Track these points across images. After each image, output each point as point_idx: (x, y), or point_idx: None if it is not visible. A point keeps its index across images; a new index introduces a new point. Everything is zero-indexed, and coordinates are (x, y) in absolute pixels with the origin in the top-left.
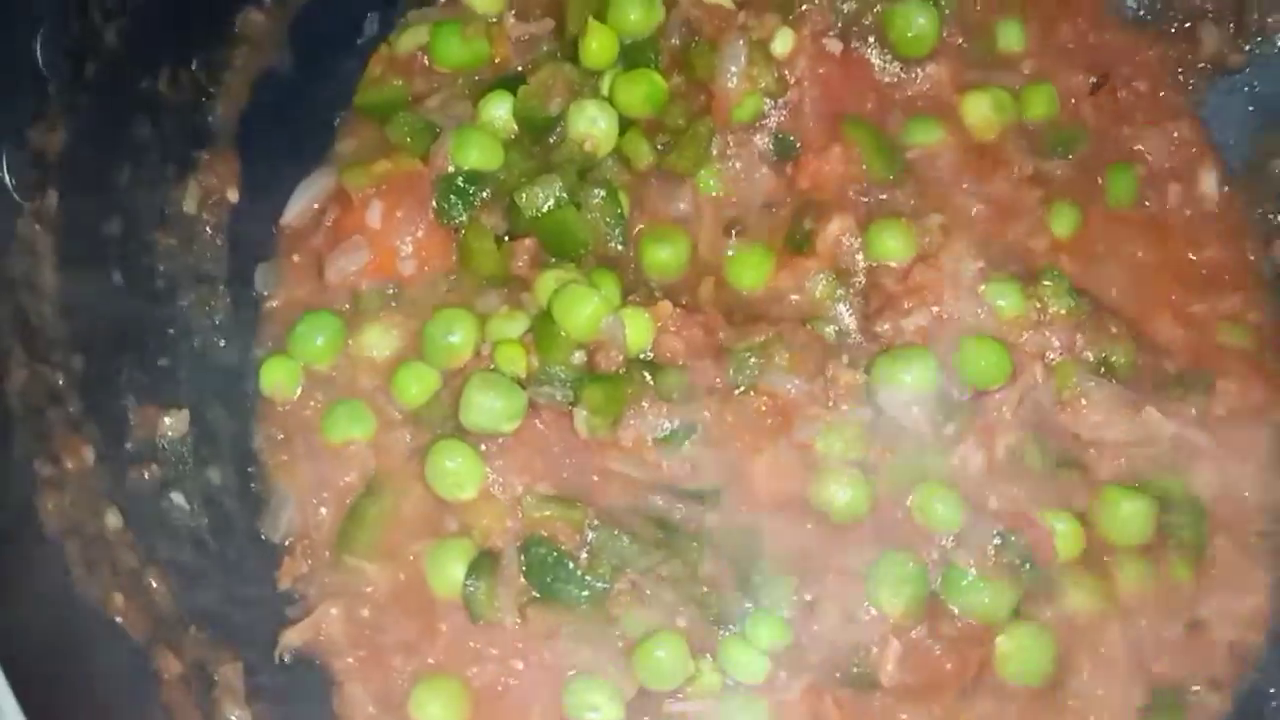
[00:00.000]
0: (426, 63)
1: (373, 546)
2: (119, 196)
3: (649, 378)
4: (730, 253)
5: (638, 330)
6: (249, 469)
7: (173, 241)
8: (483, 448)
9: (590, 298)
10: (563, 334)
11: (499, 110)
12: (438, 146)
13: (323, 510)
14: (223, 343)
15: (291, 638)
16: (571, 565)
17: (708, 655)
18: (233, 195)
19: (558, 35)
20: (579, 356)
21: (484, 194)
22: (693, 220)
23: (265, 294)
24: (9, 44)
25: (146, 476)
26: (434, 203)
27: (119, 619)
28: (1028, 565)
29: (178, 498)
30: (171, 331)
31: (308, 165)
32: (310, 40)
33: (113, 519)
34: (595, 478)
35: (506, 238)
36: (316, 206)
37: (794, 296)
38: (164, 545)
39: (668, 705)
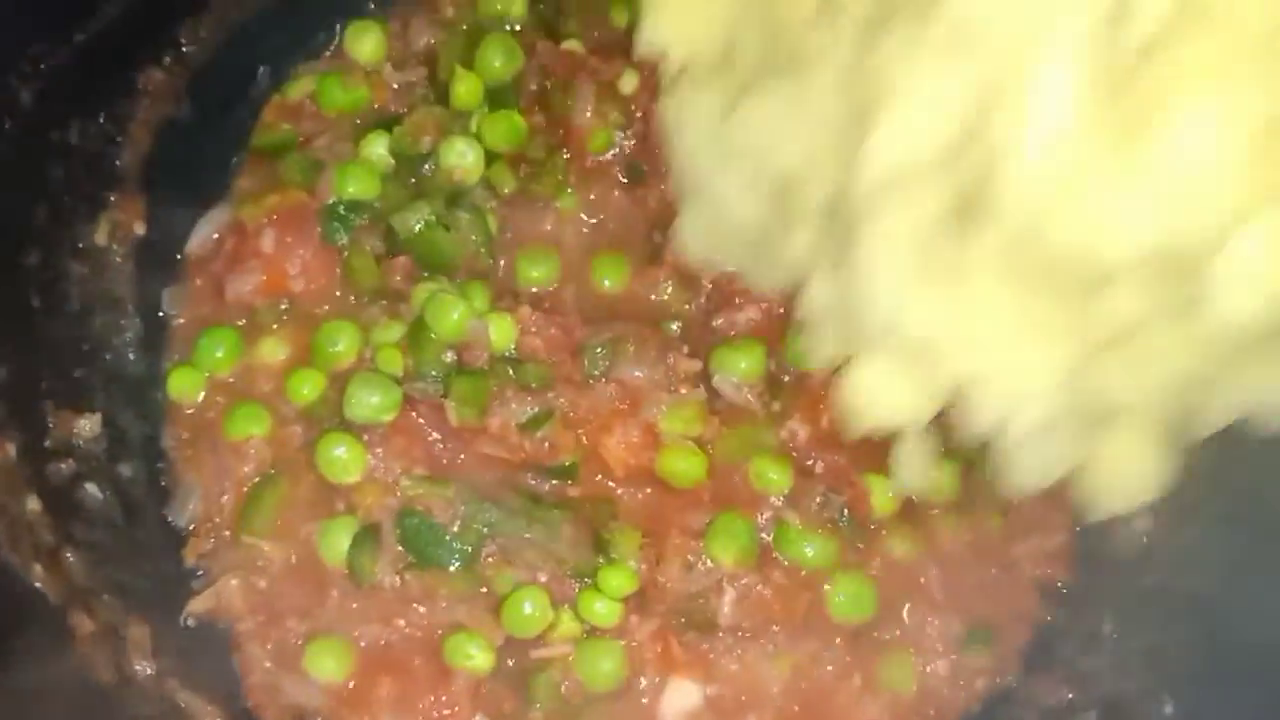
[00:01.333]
0: (314, 109)
1: (268, 527)
2: (37, 231)
3: (511, 372)
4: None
5: (501, 332)
6: (158, 465)
7: (85, 270)
8: (365, 437)
9: (456, 304)
10: (433, 336)
11: (377, 148)
12: (322, 180)
13: (224, 497)
14: (133, 356)
15: (196, 605)
16: (443, 533)
17: (567, 605)
18: (140, 229)
19: (430, 81)
20: (450, 356)
21: (363, 219)
22: (558, 238)
23: (173, 314)
24: None
25: (63, 469)
26: (319, 228)
27: (38, 584)
28: (845, 519)
29: (91, 488)
30: (86, 347)
31: (207, 201)
32: (208, 92)
33: (33, 503)
34: (463, 458)
35: (388, 257)
36: (216, 237)
37: (652, 297)
38: (79, 527)
39: (534, 650)
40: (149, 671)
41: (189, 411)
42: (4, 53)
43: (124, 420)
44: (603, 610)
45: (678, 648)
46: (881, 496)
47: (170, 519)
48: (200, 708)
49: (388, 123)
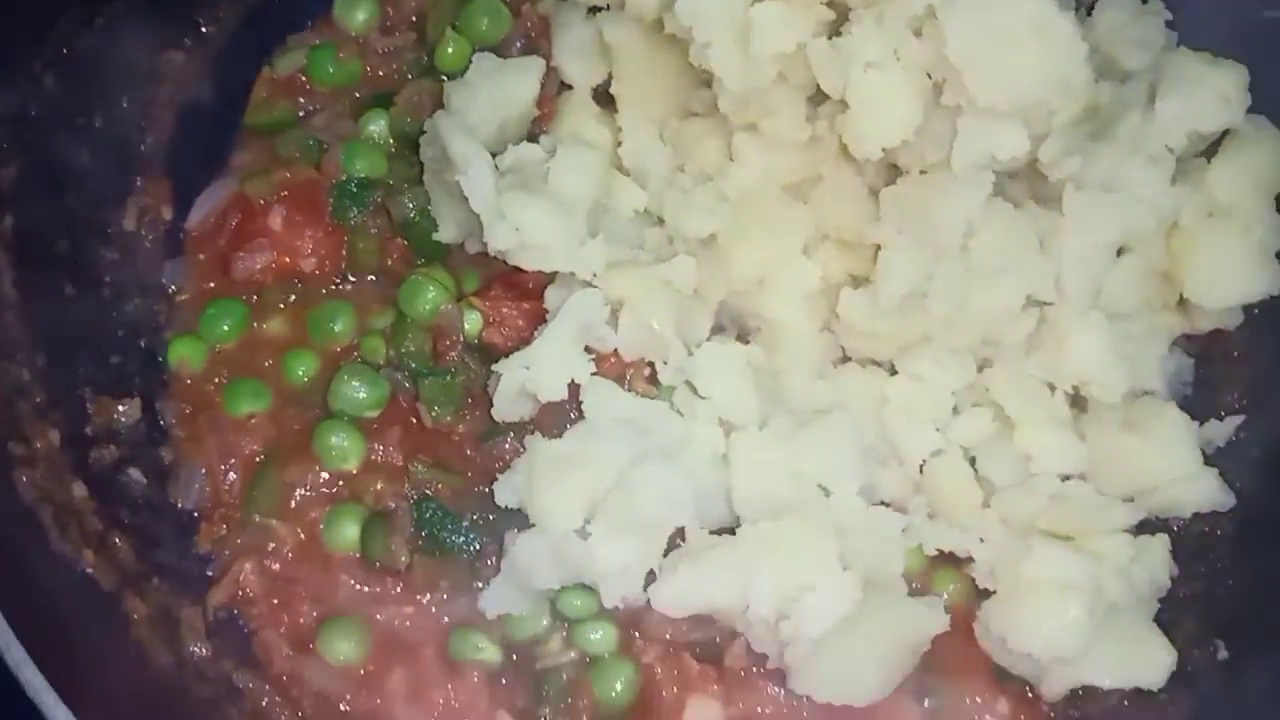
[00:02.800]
0: (307, 83)
1: (277, 507)
2: (66, 219)
3: (473, 366)
4: None
5: (472, 320)
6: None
7: (116, 255)
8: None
9: (428, 286)
10: (408, 321)
11: (376, 126)
12: (329, 157)
13: (231, 475)
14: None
15: (217, 596)
16: (460, 520)
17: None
18: (167, 213)
19: (421, 45)
20: (425, 344)
21: (376, 197)
22: None
23: (173, 289)
24: None
25: (106, 455)
26: (330, 206)
27: (90, 570)
28: None
29: (135, 473)
30: (121, 333)
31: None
32: (227, 72)
33: (79, 490)
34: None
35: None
36: (219, 213)
37: None
38: (125, 512)
39: (537, 661)
40: (204, 653)
41: (188, 383)
42: (26, 35)
43: (162, 404)
44: (597, 639)
45: (694, 665)
46: None
47: (176, 501)
48: (258, 688)
49: (384, 97)
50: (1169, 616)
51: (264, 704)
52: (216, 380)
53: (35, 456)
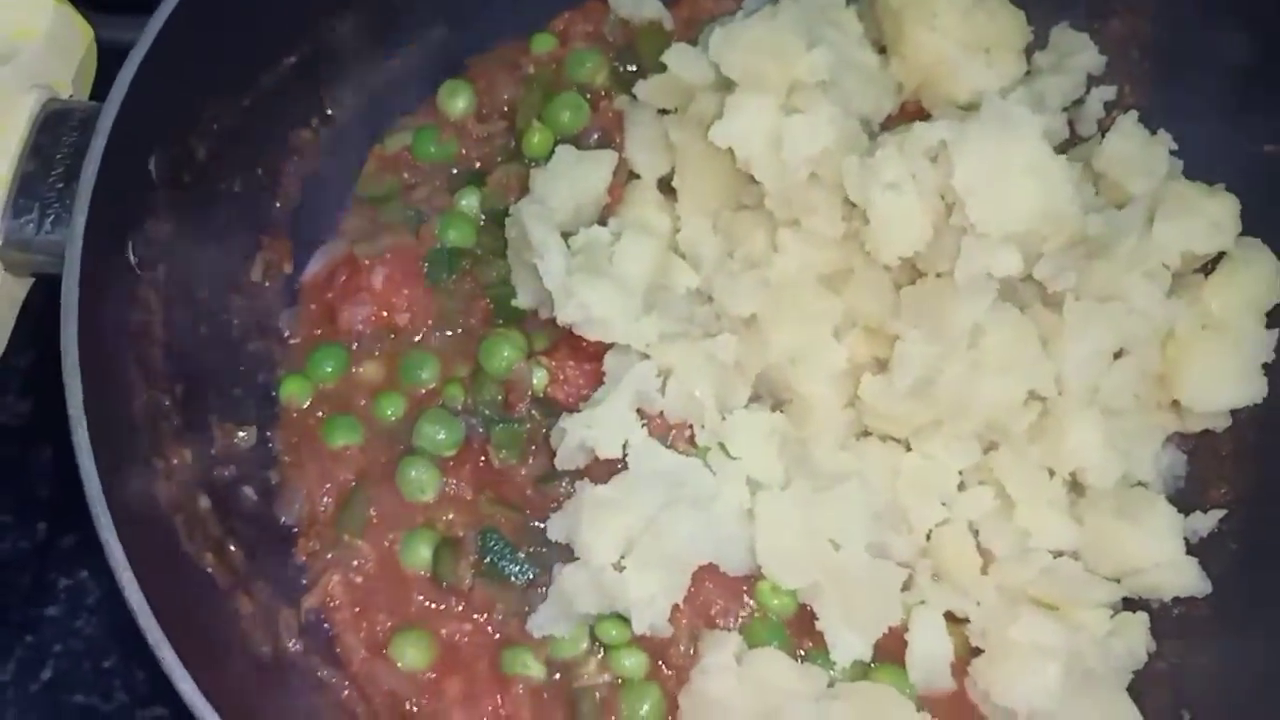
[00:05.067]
0: (410, 159)
1: (363, 529)
2: (206, 269)
3: (539, 416)
4: None
5: (540, 377)
6: None
7: (244, 302)
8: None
9: (504, 346)
10: (485, 374)
11: (469, 201)
12: (427, 227)
13: (325, 500)
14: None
15: (309, 601)
16: (517, 552)
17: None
18: (287, 267)
19: (510, 132)
20: (499, 395)
21: (465, 264)
22: None
23: (288, 333)
24: (135, 163)
25: (226, 474)
26: (425, 270)
27: (210, 570)
28: None
29: (248, 490)
30: (243, 369)
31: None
32: (344, 148)
33: (204, 502)
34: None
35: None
36: (329, 269)
37: None
38: (238, 524)
39: (575, 680)
40: (297, 648)
41: (295, 415)
42: (189, 115)
43: (272, 433)
44: (629, 664)
45: None
46: None
47: (280, 517)
48: (339, 683)
49: (477, 176)
50: (1142, 688)
51: (344, 696)
52: (318, 414)
53: (172, 471)
